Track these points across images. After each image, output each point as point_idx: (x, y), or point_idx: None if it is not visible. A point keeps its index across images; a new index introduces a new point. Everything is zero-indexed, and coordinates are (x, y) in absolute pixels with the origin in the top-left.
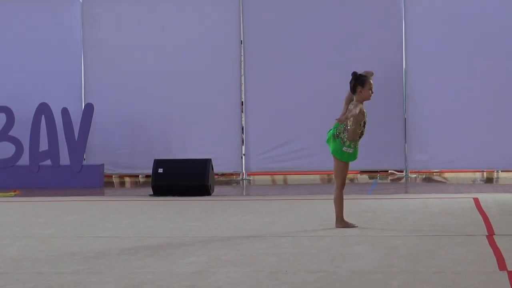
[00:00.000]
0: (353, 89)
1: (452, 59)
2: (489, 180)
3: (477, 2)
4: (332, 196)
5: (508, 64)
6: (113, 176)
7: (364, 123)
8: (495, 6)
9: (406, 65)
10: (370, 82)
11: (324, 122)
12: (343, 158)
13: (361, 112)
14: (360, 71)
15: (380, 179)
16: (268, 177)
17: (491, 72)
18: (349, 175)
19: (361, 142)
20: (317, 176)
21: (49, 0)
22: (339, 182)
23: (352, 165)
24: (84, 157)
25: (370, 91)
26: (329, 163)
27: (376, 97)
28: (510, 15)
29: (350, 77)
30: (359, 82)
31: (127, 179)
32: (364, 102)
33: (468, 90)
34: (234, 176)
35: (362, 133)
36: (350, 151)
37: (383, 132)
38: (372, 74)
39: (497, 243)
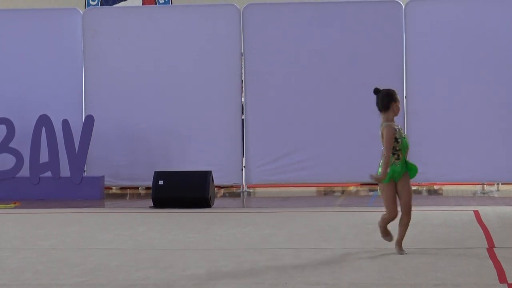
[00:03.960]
0: (387, 106)
1: (452, 72)
2: (489, 192)
3: (477, 16)
4: (333, 209)
5: (508, 78)
6: (113, 188)
7: (396, 138)
8: (496, 19)
9: (406, 78)
10: (398, 98)
11: (325, 134)
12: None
13: (392, 130)
14: (361, 83)
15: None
16: (269, 190)
17: (492, 85)
18: (351, 188)
19: (360, 154)
20: (319, 188)
21: (50, 12)
22: (386, 211)
23: (353, 177)
24: (85, 169)
25: (399, 106)
26: (329, 175)
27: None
28: (511, 27)
29: (374, 96)
30: (392, 98)
31: (127, 191)
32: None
33: (469, 103)
34: (235, 188)
35: (396, 149)
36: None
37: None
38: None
39: (497, 256)
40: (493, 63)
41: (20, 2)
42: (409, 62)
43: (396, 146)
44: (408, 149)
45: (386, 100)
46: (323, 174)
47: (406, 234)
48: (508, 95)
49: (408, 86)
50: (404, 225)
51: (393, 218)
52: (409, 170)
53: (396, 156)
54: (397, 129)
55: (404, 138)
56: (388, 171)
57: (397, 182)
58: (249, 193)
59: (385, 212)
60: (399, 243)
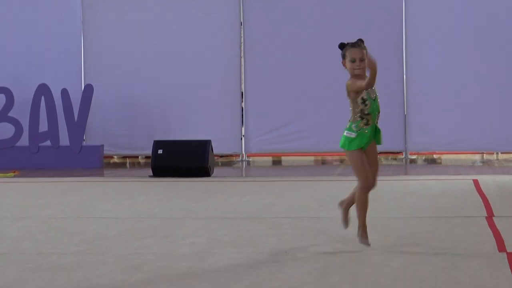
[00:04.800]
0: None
1: (453, 44)
2: (488, 161)
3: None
4: (331, 178)
5: (507, 50)
6: (115, 157)
7: (364, 100)
8: None
9: (406, 47)
10: (351, 51)
11: (323, 104)
12: (344, 145)
13: (353, 89)
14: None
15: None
16: (268, 159)
17: (491, 57)
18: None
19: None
20: (317, 158)
21: None
22: (359, 181)
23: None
24: (84, 138)
25: (351, 63)
26: (328, 145)
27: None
28: (509, 3)
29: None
30: (343, 56)
31: (127, 160)
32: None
33: (469, 74)
34: (234, 157)
35: (364, 113)
36: (352, 136)
37: (382, 114)
38: (359, 42)
39: (496, 224)
40: (493, 35)
41: None
42: (409, 33)
43: (364, 109)
44: (379, 113)
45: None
46: (321, 143)
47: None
48: (507, 67)
49: (408, 57)
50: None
51: (369, 186)
52: (376, 137)
53: (364, 121)
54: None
55: (374, 100)
56: (354, 136)
57: (364, 150)
58: (248, 162)
59: (358, 226)
60: (346, 205)
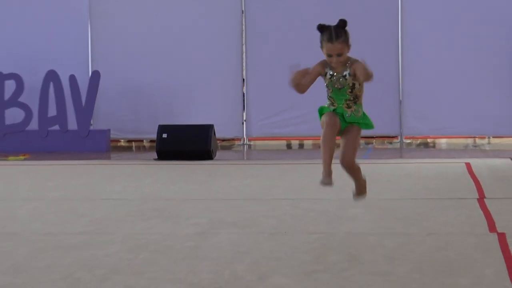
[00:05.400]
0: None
1: (446, 35)
2: (480, 145)
3: None
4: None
5: (496, 41)
6: (122, 141)
7: (327, 86)
8: None
9: (402, 37)
10: (327, 46)
11: (322, 90)
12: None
13: (320, 67)
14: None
15: (376, 144)
16: (268, 142)
17: (482, 47)
18: None
19: None
20: (316, 142)
21: None
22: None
23: None
24: (91, 122)
25: (328, 57)
26: None
27: (372, 64)
28: None
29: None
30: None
31: (132, 144)
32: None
33: (461, 62)
34: (235, 141)
35: (328, 96)
36: (325, 105)
37: (379, 98)
38: (337, 32)
39: (487, 206)
40: (485, 25)
41: None
42: (405, 23)
43: (328, 92)
44: (348, 100)
45: None
46: (320, 128)
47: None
48: (496, 55)
49: (404, 46)
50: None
51: (327, 123)
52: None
53: (329, 103)
54: (329, 74)
55: (336, 89)
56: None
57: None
58: (249, 146)
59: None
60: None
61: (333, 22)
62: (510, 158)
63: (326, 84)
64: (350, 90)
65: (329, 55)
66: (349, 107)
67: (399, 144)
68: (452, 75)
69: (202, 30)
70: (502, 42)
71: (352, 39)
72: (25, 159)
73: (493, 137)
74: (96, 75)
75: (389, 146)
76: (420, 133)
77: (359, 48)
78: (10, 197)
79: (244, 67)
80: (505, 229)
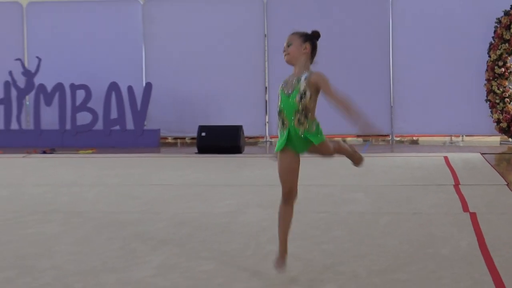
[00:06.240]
0: None
1: (429, 50)
2: (456, 143)
3: (450, 5)
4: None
5: (471, 52)
6: (169, 138)
7: (278, 95)
8: (464, 9)
9: (392, 51)
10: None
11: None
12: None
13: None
14: (356, 53)
15: (372, 142)
16: None
17: (458, 60)
18: (347, 140)
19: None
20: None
21: (116, 3)
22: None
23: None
24: (145, 123)
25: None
26: (332, 129)
27: (368, 75)
28: (475, 12)
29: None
30: None
31: (177, 141)
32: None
33: (440, 73)
34: (260, 139)
35: (278, 112)
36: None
37: (374, 103)
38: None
39: (461, 191)
40: (460, 41)
41: None
42: (395, 42)
43: (278, 106)
44: (298, 113)
45: None
46: (327, 127)
47: (390, 174)
48: (468, 70)
49: (394, 61)
50: (289, 222)
51: (283, 194)
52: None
53: (280, 123)
54: (283, 81)
55: (288, 97)
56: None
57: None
58: (270, 143)
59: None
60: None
61: (338, 39)
62: (479, 152)
63: (278, 94)
64: (299, 97)
65: (283, 50)
66: (300, 123)
67: (390, 141)
68: (434, 86)
69: (233, 48)
70: (472, 59)
71: (353, 52)
72: (92, 153)
73: (466, 135)
74: (148, 86)
75: (382, 143)
76: (408, 132)
77: (357, 62)
78: (79, 183)
79: (266, 79)
80: (475, 210)
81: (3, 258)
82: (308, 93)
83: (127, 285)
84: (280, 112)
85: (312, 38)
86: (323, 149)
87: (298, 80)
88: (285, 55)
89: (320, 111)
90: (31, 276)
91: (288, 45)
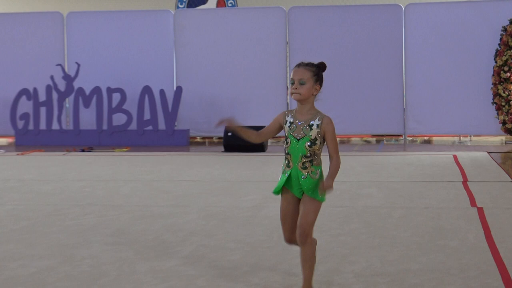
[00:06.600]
0: None
1: (440, 58)
2: (464, 142)
3: (459, 17)
4: (351, 153)
5: (478, 60)
6: (197, 138)
7: (285, 137)
8: (472, 20)
9: (405, 58)
10: (293, 71)
11: (346, 101)
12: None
13: (281, 116)
14: (370, 64)
15: (386, 141)
16: None
17: (466, 67)
18: (363, 139)
19: (371, 115)
20: (343, 139)
21: (150, 13)
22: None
23: (361, 130)
24: (176, 124)
25: (290, 84)
26: (349, 129)
27: (383, 79)
28: (482, 21)
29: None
30: None
31: (205, 140)
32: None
33: (451, 78)
34: (282, 138)
35: (286, 152)
36: (279, 179)
37: (388, 106)
38: (308, 63)
39: (469, 187)
40: (468, 48)
41: (128, 5)
42: (407, 48)
43: (286, 147)
44: (305, 157)
45: None
46: (344, 128)
47: (403, 171)
48: (477, 72)
49: (407, 67)
50: (304, 261)
51: (284, 240)
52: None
53: (286, 162)
54: (289, 122)
55: (298, 141)
56: (279, 179)
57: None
58: None
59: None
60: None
61: (353, 52)
62: (486, 151)
63: (285, 136)
64: (309, 144)
65: (292, 82)
66: (304, 167)
67: (403, 141)
68: (444, 89)
69: (257, 54)
70: (480, 65)
71: (368, 64)
72: (126, 151)
73: (473, 136)
74: (179, 89)
75: (396, 142)
76: (419, 132)
77: (372, 68)
78: (115, 178)
79: (287, 82)
80: (482, 204)
81: (46, 247)
82: (318, 141)
83: (158, 273)
84: (287, 154)
85: (321, 75)
86: (308, 206)
87: (310, 127)
88: (295, 93)
89: (337, 111)
90: (71, 265)
91: (301, 83)
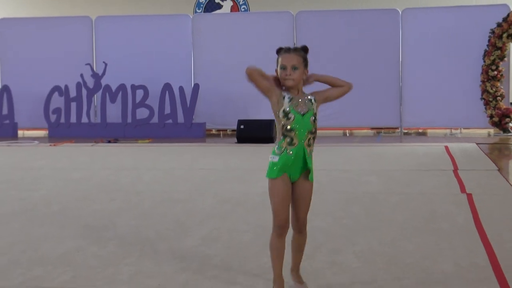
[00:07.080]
0: None
1: (434, 59)
2: (455, 134)
3: (452, 21)
4: (352, 144)
5: (470, 59)
6: (213, 130)
7: (286, 113)
8: (464, 24)
9: (402, 57)
10: (283, 56)
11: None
12: (267, 173)
13: (274, 100)
14: (370, 62)
15: (384, 133)
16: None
17: (459, 66)
18: (363, 132)
19: (370, 108)
20: (340, 132)
21: (170, 17)
22: (273, 220)
23: (361, 122)
24: (193, 118)
25: (281, 70)
26: (349, 122)
27: (381, 77)
28: (472, 24)
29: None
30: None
31: (220, 132)
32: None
33: (443, 74)
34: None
35: (287, 129)
36: (275, 160)
37: (385, 101)
38: (297, 47)
39: (459, 175)
40: (459, 49)
41: (150, 9)
42: (404, 48)
43: (286, 123)
44: (311, 134)
45: None
46: (345, 121)
47: (399, 160)
48: (467, 70)
49: (403, 66)
50: (299, 245)
51: (280, 227)
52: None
53: (288, 140)
54: (288, 97)
55: (303, 116)
56: (276, 160)
57: (293, 182)
58: None
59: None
60: (294, 271)
61: (355, 53)
62: (475, 143)
63: (284, 112)
64: (313, 119)
65: (283, 67)
66: (309, 144)
67: (399, 133)
68: (437, 87)
69: (266, 55)
70: (470, 64)
71: (368, 63)
72: (148, 142)
73: (463, 128)
74: (196, 87)
75: (393, 134)
76: (414, 125)
77: (372, 67)
78: (138, 167)
79: None
80: (471, 191)
81: (75, 230)
82: (317, 117)
83: (177, 252)
84: (290, 131)
85: (307, 59)
86: (309, 194)
87: (311, 101)
88: (288, 79)
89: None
90: (98, 245)
91: (294, 68)
